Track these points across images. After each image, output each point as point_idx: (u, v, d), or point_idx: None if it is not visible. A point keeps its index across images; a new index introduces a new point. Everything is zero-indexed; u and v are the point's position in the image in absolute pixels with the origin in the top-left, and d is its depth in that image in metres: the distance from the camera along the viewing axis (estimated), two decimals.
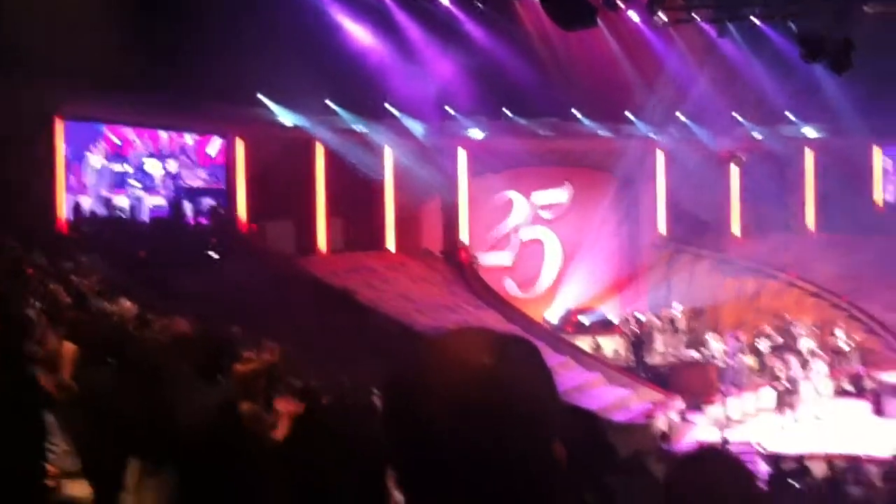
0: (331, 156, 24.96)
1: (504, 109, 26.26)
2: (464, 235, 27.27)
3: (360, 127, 25.03)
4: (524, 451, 1.38)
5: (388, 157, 26.04)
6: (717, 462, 2.38)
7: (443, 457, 1.37)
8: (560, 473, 1.46)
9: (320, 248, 25.03)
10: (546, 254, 28.88)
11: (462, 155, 27.05)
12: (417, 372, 1.43)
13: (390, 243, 26.32)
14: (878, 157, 30.69)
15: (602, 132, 27.94)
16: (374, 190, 25.80)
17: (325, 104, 24.13)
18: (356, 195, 25.06)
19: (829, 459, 16.04)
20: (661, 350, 25.05)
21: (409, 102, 24.85)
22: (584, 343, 24.74)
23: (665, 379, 22.40)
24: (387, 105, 24.86)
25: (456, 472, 1.37)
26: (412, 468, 1.42)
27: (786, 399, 20.27)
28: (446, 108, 25.61)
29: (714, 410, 20.36)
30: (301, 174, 24.50)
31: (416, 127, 25.62)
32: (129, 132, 22.92)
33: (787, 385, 20.42)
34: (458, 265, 26.41)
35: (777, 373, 21.19)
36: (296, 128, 24.04)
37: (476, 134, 26.56)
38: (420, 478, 1.41)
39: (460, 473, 1.37)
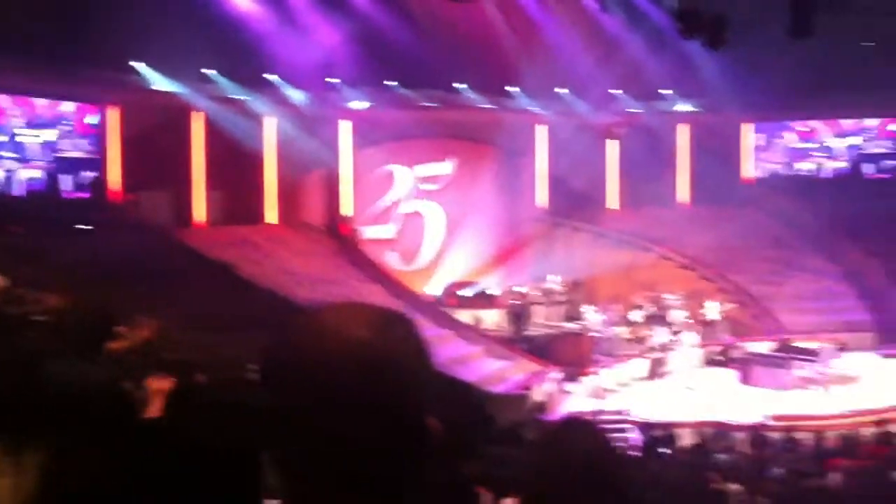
0: (209, 125, 24.36)
1: (388, 80, 26.10)
2: (346, 208, 27.09)
3: (239, 95, 24.51)
4: (398, 427, 1.39)
5: (269, 127, 25.59)
6: (583, 432, 2.43)
7: (317, 434, 1.36)
8: (434, 447, 1.47)
9: (198, 221, 24.48)
10: (428, 227, 28.97)
11: (345, 126, 26.80)
12: (293, 346, 1.42)
13: (271, 216, 25.93)
14: (749, 133, 31.86)
15: (485, 105, 28.12)
16: (254, 161, 25.30)
17: (204, 72, 23.52)
18: (236, 166, 24.52)
19: (698, 427, 16.67)
20: (540, 322, 25.53)
21: (291, 71, 24.40)
22: (465, 316, 25.00)
23: (543, 350, 22.84)
24: (268, 74, 24.38)
25: (330, 449, 1.36)
26: (285, 446, 1.40)
27: (657, 369, 20.95)
28: (329, 77, 25.28)
29: (590, 380, 20.89)
30: (178, 144, 23.84)
31: (298, 96, 25.23)
32: (4, 99, 21.73)
33: (659, 355, 21.10)
34: (341, 238, 26.26)
35: (649, 343, 21.90)
36: (173, 95, 23.35)
37: (359, 104, 26.33)
38: (293, 456, 1.39)
39: (334, 450, 1.36)
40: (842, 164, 31.37)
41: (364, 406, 1.36)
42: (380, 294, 22.40)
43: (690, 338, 22.07)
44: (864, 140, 31.26)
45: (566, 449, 2.35)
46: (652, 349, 21.78)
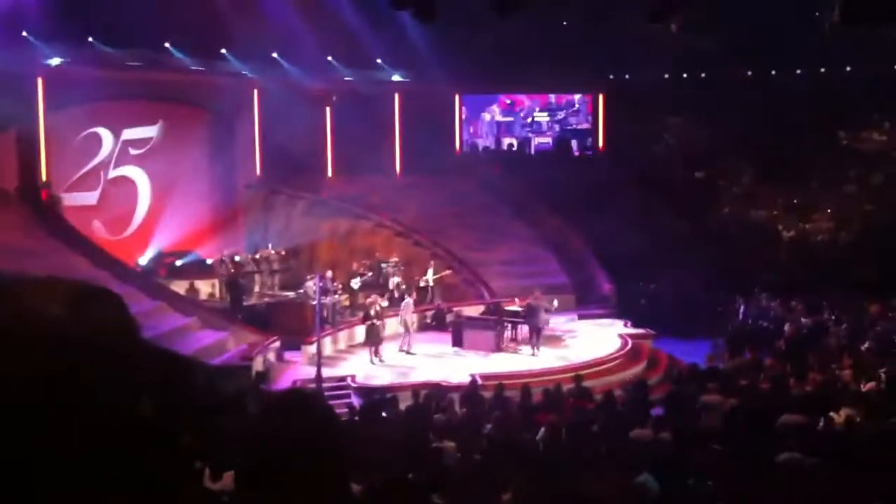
0: None
1: (89, 37, 24.46)
2: (44, 173, 25.17)
3: None
4: (105, 408, 1.23)
5: None
6: (300, 403, 2.37)
7: (12, 430, 1.17)
8: (148, 425, 1.33)
9: None
10: (137, 194, 27.63)
11: (41, 84, 24.81)
12: None
13: None
14: (458, 106, 33.03)
15: (196, 66, 27.13)
16: None
17: None
18: None
19: (414, 389, 17.13)
20: (258, 291, 25.21)
21: None
22: (179, 287, 24.19)
23: (263, 320, 22.60)
24: None
25: (32, 447, 1.18)
26: None
27: (375, 335, 21.29)
28: (23, 31, 23.24)
29: (311, 348, 20.88)
30: None
31: None
32: None
33: (376, 321, 21.45)
34: (39, 205, 24.40)
35: (367, 310, 22.19)
36: None
37: (56, 61, 24.47)
38: None
39: (36, 446, 1.18)
40: (546, 140, 33.28)
41: (64, 392, 1.19)
42: (84, 266, 21.08)
43: (407, 303, 22.59)
44: (569, 115, 33.33)
45: (283, 421, 2.29)
46: (370, 315, 22.09)
